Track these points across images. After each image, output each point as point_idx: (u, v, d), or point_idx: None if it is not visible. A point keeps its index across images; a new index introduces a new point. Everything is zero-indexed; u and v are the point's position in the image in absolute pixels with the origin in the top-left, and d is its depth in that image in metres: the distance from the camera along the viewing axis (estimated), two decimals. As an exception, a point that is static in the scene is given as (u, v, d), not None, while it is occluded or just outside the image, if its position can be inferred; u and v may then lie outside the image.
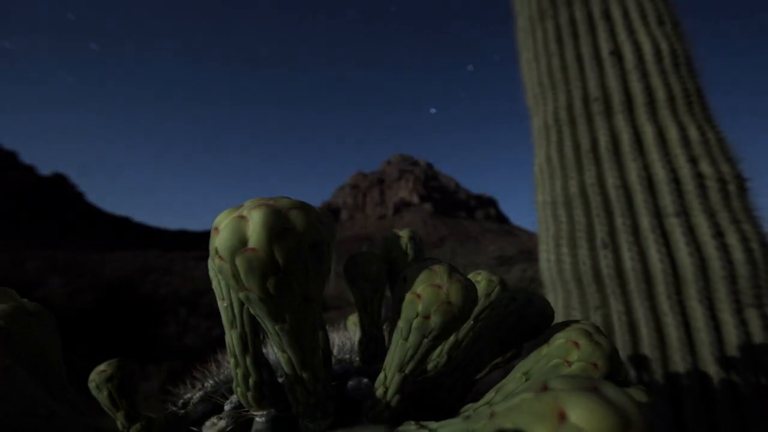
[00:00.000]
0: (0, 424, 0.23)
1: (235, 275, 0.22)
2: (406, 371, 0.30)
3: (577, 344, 0.29)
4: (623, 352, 1.34)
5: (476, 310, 0.46)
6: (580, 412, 0.17)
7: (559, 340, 0.30)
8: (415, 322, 0.27)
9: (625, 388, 0.33)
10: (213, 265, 0.30)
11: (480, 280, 0.47)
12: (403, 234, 0.50)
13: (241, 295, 0.24)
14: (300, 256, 0.23)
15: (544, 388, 0.20)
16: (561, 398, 0.19)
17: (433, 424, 0.27)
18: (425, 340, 0.27)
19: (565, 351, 0.29)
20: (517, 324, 0.35)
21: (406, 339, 0.28)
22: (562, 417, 0.18)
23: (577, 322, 0.31)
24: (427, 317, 0.26)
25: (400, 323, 0.28)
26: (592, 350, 0.28)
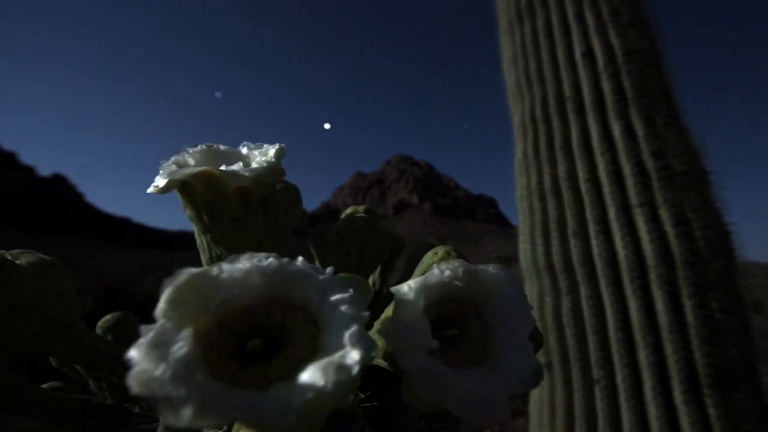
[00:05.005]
0: (39, 327, 0.32)
1: (201, 220, 0.32)
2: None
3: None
4: (591, 334, 1.43)
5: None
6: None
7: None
8: (342, 259, 0.36)
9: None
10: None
11: (438, 251, 0.56)
12: (360, 210, 0.59)
13: (208, 236, 0.33)
14: (251, 207, 0.32)
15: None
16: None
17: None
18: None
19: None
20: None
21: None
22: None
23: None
24: (349, 254, 0.35)
25: (333, 262, 0.37)
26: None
